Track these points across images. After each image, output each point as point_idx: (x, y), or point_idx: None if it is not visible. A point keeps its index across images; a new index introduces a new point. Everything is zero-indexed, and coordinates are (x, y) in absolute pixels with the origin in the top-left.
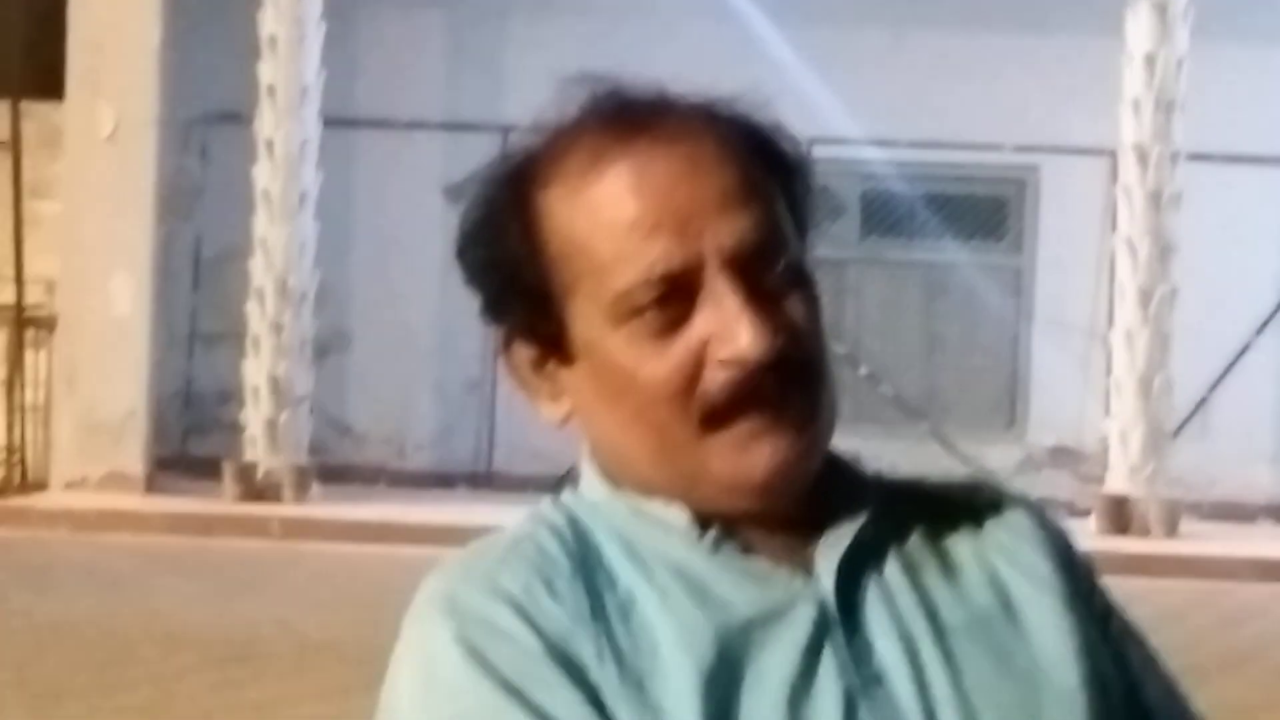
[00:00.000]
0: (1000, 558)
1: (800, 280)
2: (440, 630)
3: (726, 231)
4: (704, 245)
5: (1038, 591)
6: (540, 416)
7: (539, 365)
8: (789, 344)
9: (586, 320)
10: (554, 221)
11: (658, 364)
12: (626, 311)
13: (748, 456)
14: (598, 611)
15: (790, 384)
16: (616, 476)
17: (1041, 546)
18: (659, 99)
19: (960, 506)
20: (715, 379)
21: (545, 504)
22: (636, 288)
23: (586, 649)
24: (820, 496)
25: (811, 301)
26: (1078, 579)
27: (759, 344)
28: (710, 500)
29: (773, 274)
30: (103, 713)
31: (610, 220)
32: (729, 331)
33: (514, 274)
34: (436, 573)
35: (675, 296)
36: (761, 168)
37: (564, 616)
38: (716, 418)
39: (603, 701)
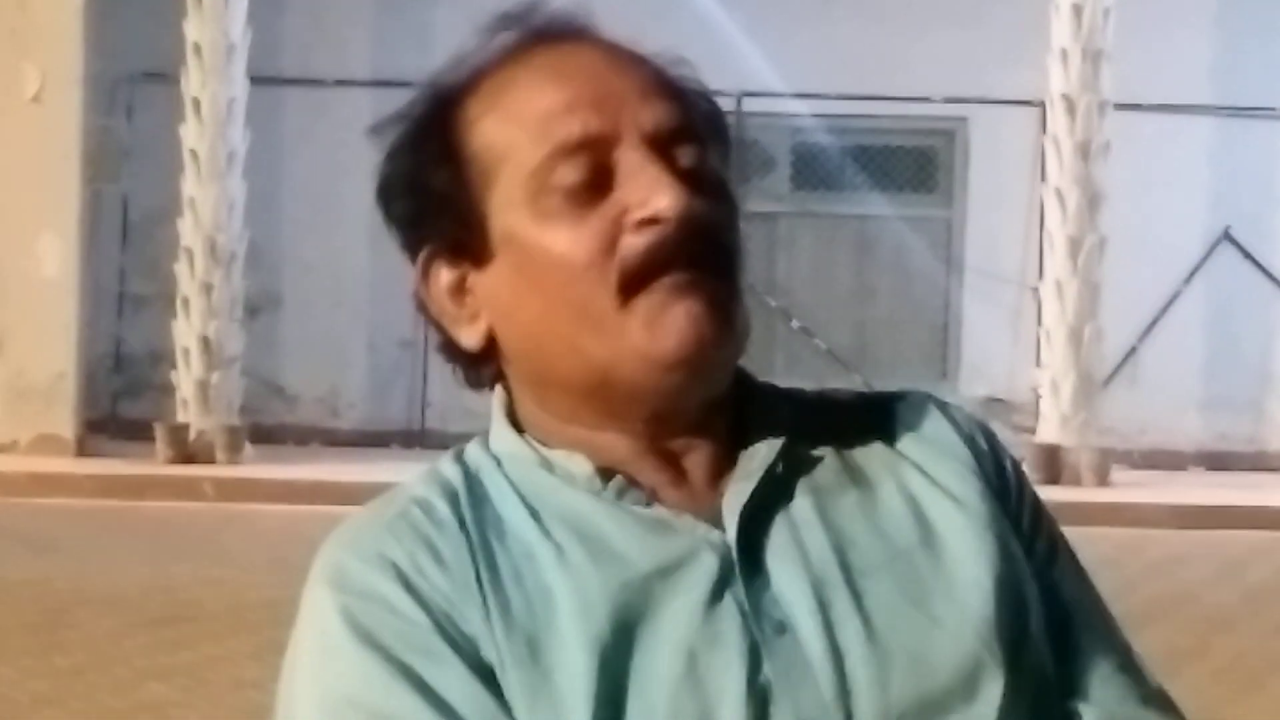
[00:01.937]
0: (920, 479)
1: (721, 191)
2: (329, 603)
3: (647, 112)
4: (622, 123)
5: (957, 513)
6: (458, 347)
7: (457, 290)
8: (708, 212)
9: (504, 208)
10: (473, 124)
11: (575, 235)
12: (543, 188)
13: (666, 319)
14: (489, 575)
15: (708, 256)
16: (534, 394)
17: (963, 458)
18: (579, 15)
19: (880, 424)
20: (634, 243)
21: (446, 459)
22: (553, 157)
23: (474, 616)
24: (734, 424)
25: (732, 211)
26: (1002, 489)
27: (678, 202)
28: (633, 381)
29: (692, 164)
30: (36, 675)
31: (529, 107)
32: (648, 195)
33: (429, 184)
34: (331, 539)
35: (592, 177)
36: (684, 99)
37: (450, 586)
38: (636, 281)
39: (493, 671)
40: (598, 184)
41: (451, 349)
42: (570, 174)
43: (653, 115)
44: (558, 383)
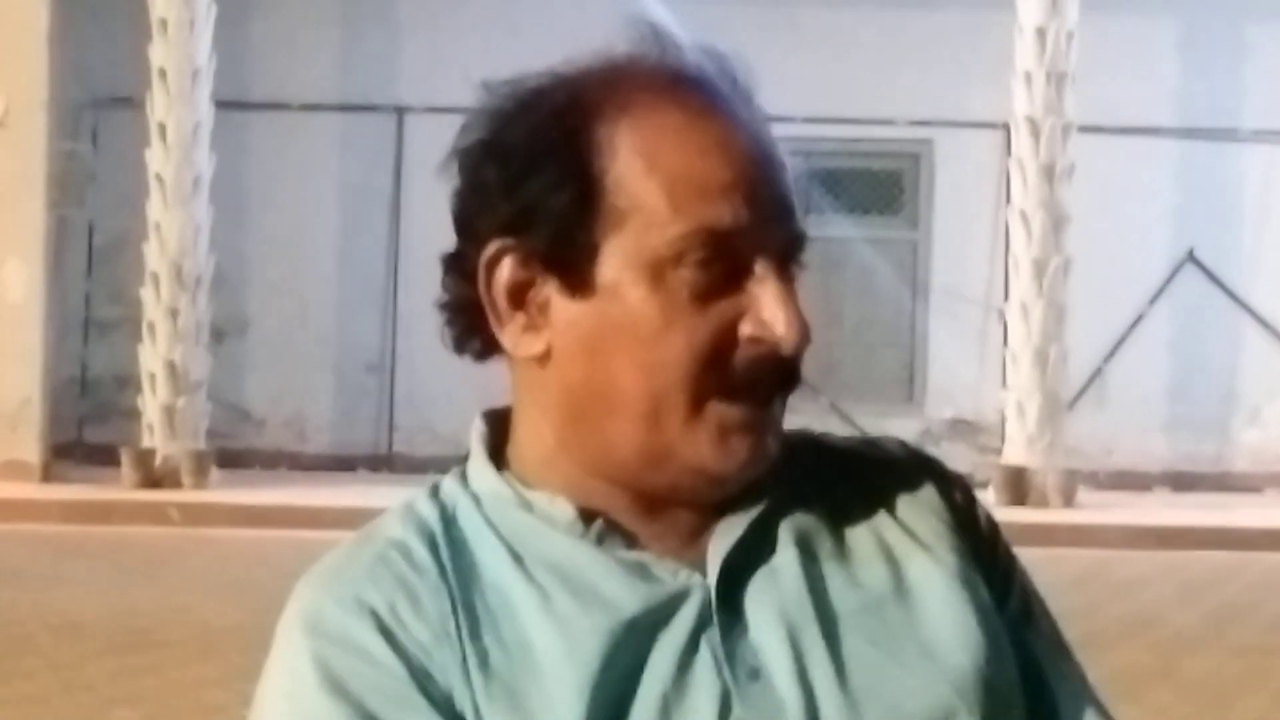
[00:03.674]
0: (896, 531)
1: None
2: (303, 649)
3: (789, 224)
4: (766, 228)
5: (933, 567)
6: (466, 309)
7: (521, 291)
8: (805, 346)
9: (623, 259)
10: (611, 148)
11: (692, 327)
12: (673, 263)
13: (733, 443)
14: (467, 623)
15: (787, 388)
16: (552, 423)
17: (941, 514)
18: (735, 67)
19: (861, 473)
20: (745, 354)
21: (421, 496)
22: (695, 237)
23: (451, 664)
24: None
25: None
26: (978, 548)
27: (797, 337)
28: (674, 477)
29: (796, 272)
30: (0, 702)
31: (682, 170)
32: (769, 317)
33: (555, 189)
34: (305, 580)
35: (723, 268)
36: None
37: (428, 633)
38: (728, 393)
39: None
40: (725, 277)
41: (457, 309)
42: (704, 260)
43: (791, 229)
44: (593, 435)
